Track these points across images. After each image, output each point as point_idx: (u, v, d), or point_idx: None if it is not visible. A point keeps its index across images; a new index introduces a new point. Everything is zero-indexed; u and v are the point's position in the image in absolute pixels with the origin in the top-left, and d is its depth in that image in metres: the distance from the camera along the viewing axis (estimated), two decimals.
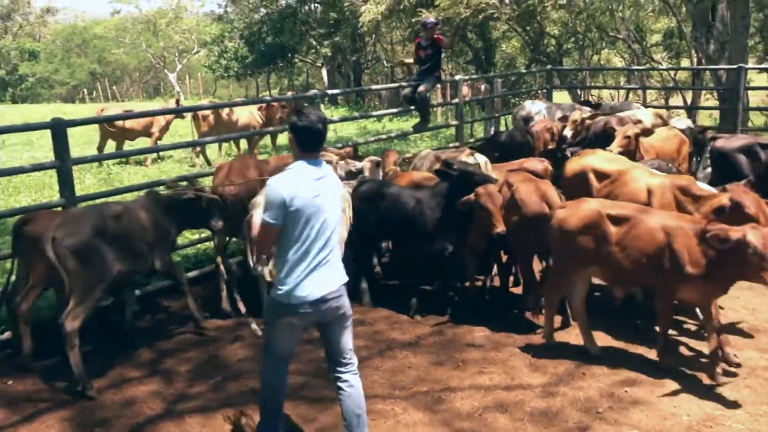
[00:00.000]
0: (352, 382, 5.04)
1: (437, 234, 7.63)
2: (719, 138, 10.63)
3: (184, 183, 7.95)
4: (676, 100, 25.78)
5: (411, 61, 13.79)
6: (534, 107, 14.00)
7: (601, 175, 8.20)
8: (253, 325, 7.45)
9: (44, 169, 8.40)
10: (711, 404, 5.82)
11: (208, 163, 16.48)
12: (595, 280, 7.10)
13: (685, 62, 26.23)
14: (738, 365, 6.41)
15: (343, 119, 14.97)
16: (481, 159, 8.72)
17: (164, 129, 17.87)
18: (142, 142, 17.40)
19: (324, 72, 37.04)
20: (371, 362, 6.71)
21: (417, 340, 7.26)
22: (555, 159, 10.46)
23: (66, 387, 6.37)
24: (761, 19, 26.34)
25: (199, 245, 9.60)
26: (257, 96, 37.86)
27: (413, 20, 23.59)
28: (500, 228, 7.10)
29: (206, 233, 8.78)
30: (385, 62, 37.07)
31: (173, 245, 7.63)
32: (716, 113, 17.96)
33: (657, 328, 6.60)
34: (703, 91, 22.99)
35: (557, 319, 7.37)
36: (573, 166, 8.65)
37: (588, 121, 11.30)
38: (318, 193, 4.73)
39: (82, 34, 61.38)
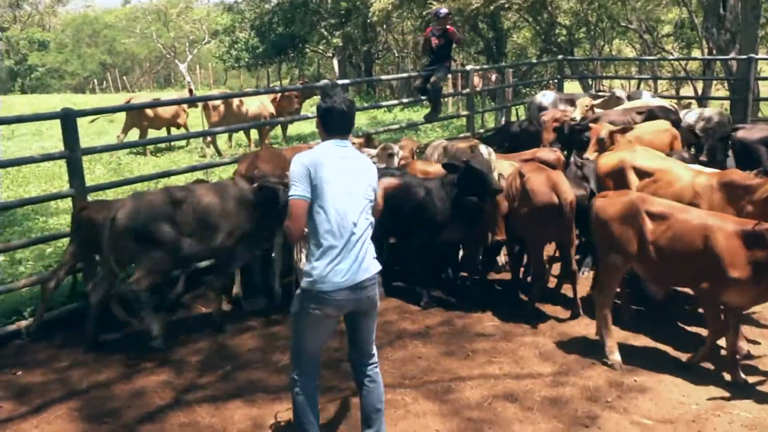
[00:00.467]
0: (374, 378, 4.90)
1: (446, 224, 7.61)
2: (740, 128, 10.36)
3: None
4: (686, 90, 25.65)
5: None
6: (545, 98, 13.93)
7: (642, 173, 7.84)
8: None
9: (54, 159, 8.39)
10: (719, 392, 5.81)
11: (219, 153, 16.51)
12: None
13: (695, 53, 26.08)
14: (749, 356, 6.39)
15: None
16: (484, 150, 8.69)
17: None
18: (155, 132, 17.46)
19: (335, 62, 36.91)
20: (381, 352, 6.65)
21: (427, 331, 7.26)
22: (562, 147, 10.35)
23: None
24: None
25: None
26: (268, 86, 37.79)
27: (424, 12, 23.56)
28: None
29: None
30: (395, 52, 36.98)
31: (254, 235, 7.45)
32: (727, 104, 17.87)
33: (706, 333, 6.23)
34: (714, 82, 22.92)
35: (564, 311, 7.36)
36: (610, 161, 8.30)
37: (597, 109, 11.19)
38: (345, 170, 4.58)
39: (92, 24, 61.43)
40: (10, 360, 6.81)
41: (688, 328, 7.08)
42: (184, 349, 6.94)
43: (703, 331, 6.86)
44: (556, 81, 18.79)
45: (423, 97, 13.04)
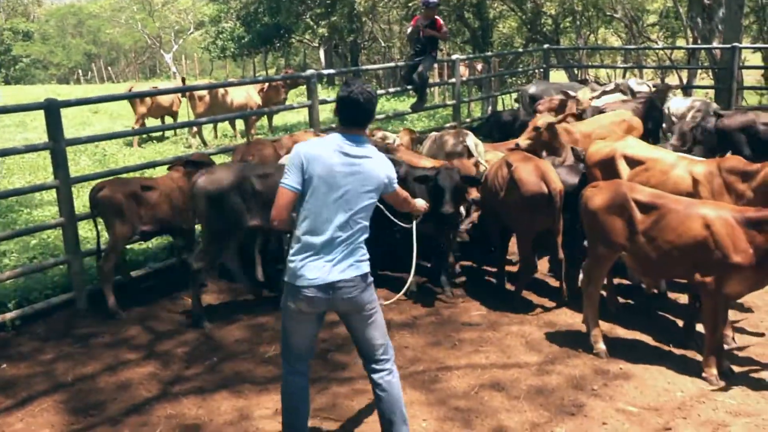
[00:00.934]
0: (386, 386, 4.67)
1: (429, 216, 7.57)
2: (723, 116, 10.27)
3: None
4: (672, 79, 25.72)
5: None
6: (537, 88, 13.92)
7: (633, 162, 7.66)
8: None
9: (38, 150, 8.33)
10: (704, 380, 5.84)
11: (204, 143, 16.47)
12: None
13: (680, 42, 26.13)
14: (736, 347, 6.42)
15: None
16: (471, 142, 8.65)
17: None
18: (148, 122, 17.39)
19: (321, 52, 36.83)
20: None
21: (413, 321, 7.26)
22: None
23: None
24: None
25: None
26: (254, 77, 37.68)
27: (410, 2, 23.51)
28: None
29: None
30: (381, 42, 36.92)
31: None
32: (712, 92, 17.95)
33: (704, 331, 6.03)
34: (699, 71, 23.02)
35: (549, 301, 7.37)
36: (600, 150, 8.04)
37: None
38: (346, 168, 4.36)
39: (77, 14, 61.07)
40: None
41: (673, 318, 7.09)
42: (170, 341, 6.92)
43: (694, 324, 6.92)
44: (541, 70, 18.79)
45: (409, 87, 13.04)
